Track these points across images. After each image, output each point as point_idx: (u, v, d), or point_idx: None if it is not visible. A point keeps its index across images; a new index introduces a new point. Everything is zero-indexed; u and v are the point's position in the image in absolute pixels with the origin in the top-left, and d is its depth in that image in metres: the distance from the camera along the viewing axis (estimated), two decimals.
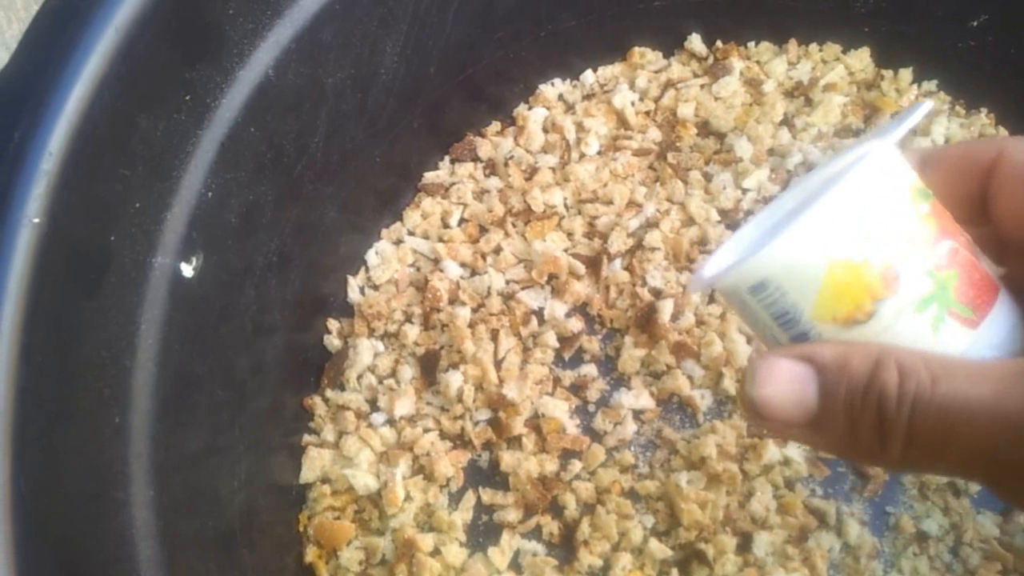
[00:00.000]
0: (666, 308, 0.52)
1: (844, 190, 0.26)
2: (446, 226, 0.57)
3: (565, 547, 0.49)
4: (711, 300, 0.54)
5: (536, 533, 0.49)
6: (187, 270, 0.40)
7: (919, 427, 0.25)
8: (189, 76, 0.39)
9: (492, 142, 0.60)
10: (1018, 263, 0.31)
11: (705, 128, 0.60)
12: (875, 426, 0.26)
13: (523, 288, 0.55)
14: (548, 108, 0.61)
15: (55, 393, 0.32)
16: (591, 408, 0.52)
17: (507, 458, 0.50)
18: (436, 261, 0.56)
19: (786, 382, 0.26)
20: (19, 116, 0.33)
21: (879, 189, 0.27)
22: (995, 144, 0.30)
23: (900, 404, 0.25)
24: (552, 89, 0.61)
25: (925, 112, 0.29)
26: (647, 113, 0.61)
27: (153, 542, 0.35)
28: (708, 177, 0.58)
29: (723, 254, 0.32)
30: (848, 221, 0.26)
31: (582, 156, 0.59)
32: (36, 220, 0.32)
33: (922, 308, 0.26)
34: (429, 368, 0.53)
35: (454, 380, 0.51)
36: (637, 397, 0.52)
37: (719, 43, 0.62)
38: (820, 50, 0.62)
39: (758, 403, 0.27)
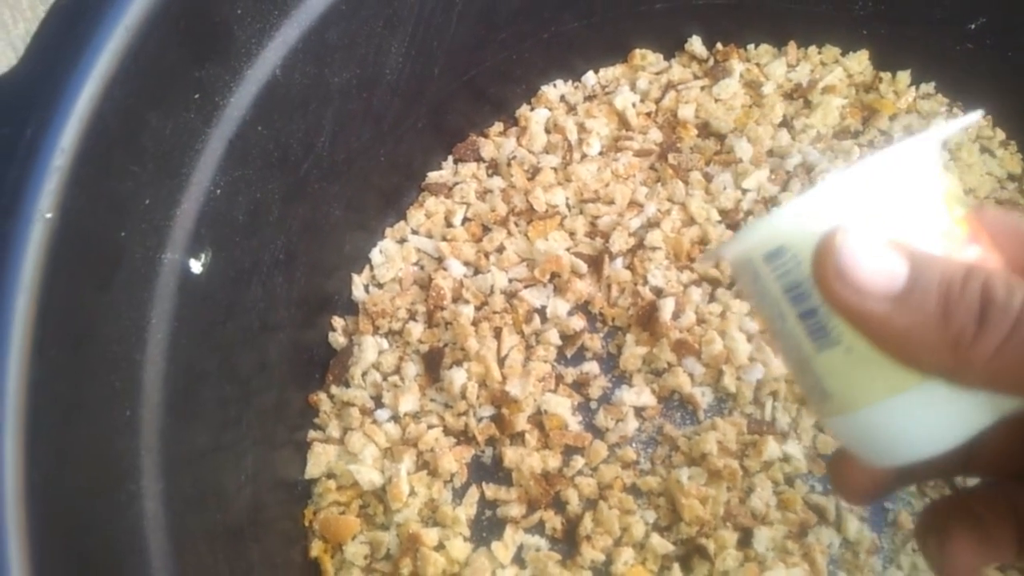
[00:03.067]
0: (667, 306, 0.53)
1: (880, 164, 0.25)
2: (450, 225, 0.58)
3: (568, 542, 0.50)
4: (712, 299, 0.55)
5: (539, 528, 0.50)
6: (196, 266, 0.40)
7: None
8: (198, 75, 0.40)
9: (495, 142, 0.60)
10: None
11: (705, 129, 0.60)
12: (974, 310, 0.23)
13: (526, 286, 0.55)
14: (550, 109, 0.61)
15: (68, 386, 0.32)
16: (593, 405, 0.53)
17: (510, 454, 0.51)
18: (440, 260, 0.57)
19: (871, 250, 0.24)
20: (31, 113, 0.33)
21: (916, 176, 0.26)
22: None
23: (1011, 294, 0.23)
24: (554, 90, 0.62)
25: (975, 120, 0.28)
26: (648, 114, 0.61)
27: (164, 534, 0.35)
28: (708, 177, 0.58)
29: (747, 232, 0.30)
30: (879, 196, 0.25)
31: (584, 156, 0.59)
32: (49, 215, 0.32)
33: None
34: (433, 365, 0.53)
35: (458, 377, 0.52)
36: (639, 394, 0.52)
37: (719, 45, 0.63)
38: (819, 53, 0.63)
39: (839, 266, 0.24)
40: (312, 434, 0.52)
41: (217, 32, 0.40)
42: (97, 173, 0.34)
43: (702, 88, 0.61)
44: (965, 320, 0.23)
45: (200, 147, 0.40)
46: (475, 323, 0.54)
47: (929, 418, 0.25)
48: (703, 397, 0.52)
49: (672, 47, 0.63)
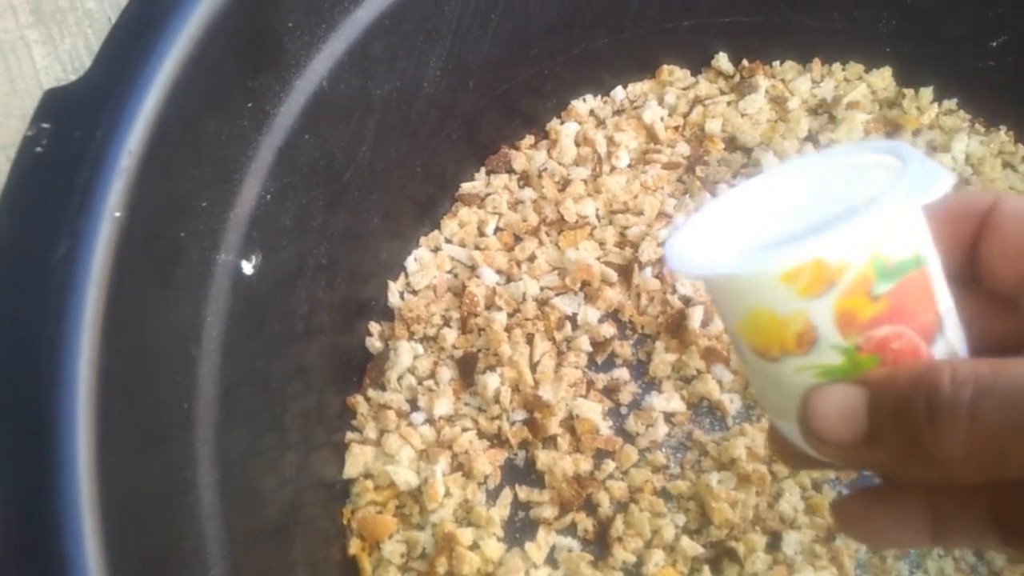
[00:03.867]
0: (696, 315, 0.54)
1: (798, 245, 0.25)
2: (482, 234, 0.59)
3: (599, 543, 0.51)
4: None
5: (571, 530, 0.51)
6: (247, 268, 0.42)
7: (984, 414, 0.23)
8: (252, 84, 0.41)
9: (526, 155, 0.62)
10: (1001, 319, 0.29)
11: (732, 143, 0.62)
12: (927, 422, 0.24)
13: (557, 294, 0.57)
14: (580, 123, 0.63)
15: (133, 376, 0.34)
16: (623, 410, 0.54)
17: (543, 457, 0.52)
18: (473, 268, 0.58)
19: (836, 403, 0.25)
20: (101, 117, 0.35)
21: (837, 256, 0.25)
22: (991, 195, 0.29)
23: (956, 390, 0.23)
24: (584, 104, 0.64)
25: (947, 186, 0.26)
26: (676, 128, 0.63)
27: (218, 522, 0.37)
28: None
29: (703, 230, 0.30)
30: (784, 275, 0.25)
31: (613, 169, 0.61)
32: (117, 214, 0.34)
33: (823, 377, 0.26)
34: (467, 370, 0.54)
35: (491, 382, 0.53)
36: (668, 400, 0.54)
37: (745, 62, 0.64)
38: (843, 69, 0.64)
39: (812, 425, 0.26)
40: (350, 435, 0.53)
41: (270, 44, 0.42)
42: (160, 175, 0.36)
43: (728, 103, 0.63)
44: (925, 437, 0.24)
45: (252, 153, 0.42)
46: (508, 329, 0.55)
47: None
48: (731, 403, 0.53)
49: (699, 63, 0.65)
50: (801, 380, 0.26)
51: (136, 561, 0.31)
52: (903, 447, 0.25)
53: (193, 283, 0.38)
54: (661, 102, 0.63)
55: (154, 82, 0.36)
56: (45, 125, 0.34)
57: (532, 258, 0.58)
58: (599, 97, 0.64)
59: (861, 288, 0.25)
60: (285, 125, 0.44)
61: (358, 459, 0.52)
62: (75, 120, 0.35)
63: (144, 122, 0.35)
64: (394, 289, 0.57)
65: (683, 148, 0.62)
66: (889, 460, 0.25)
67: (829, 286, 0.25)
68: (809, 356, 0.26)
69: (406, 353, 0.55)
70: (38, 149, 0.34)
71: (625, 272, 0.57)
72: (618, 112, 0.64)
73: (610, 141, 0.62)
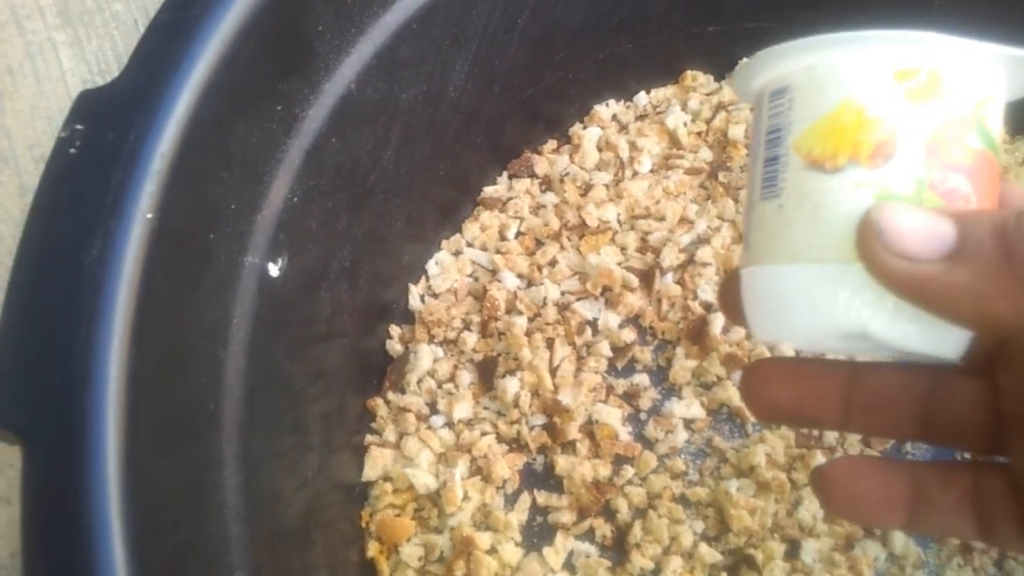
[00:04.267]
0: (717, 321, 0.54)
1: (924, 45, 0.23)
2: (503, 239, 0.60)
3: (617, 549, 0.51)
4: None
5: (589, 535, 0.51)
6: (273, 270, 0.42)
7: None
8: (281, 87, 0.42)
9: (548, 159, 0.62)
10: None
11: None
12: None
13: (578, 299, 0.57)
14: (603, 128, 0.63)
15: (162, 377, 0.34)
16: (643, 416, 0.54)
17: (561, 462, 0.52)
18: (494, 272, 0.58)
19: (921, 217, 0.23)
20: (134, 119, 0.35)
21: (955, 78, 0.23)
22: None
23: None
24: (607, 109, 0.64)
25: None
26: (699, 134, 0.63)
27: (242, 523, 0.37)
28: None
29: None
30: (898, 72, 0.23)
31: (635, 174, 0.61)
32: (149, 216, 0.34)
33: (882, 199, 0.24)
34: (487, 374, 0.55)
35: (511, 386, 0.53)
36: (688, 407, 0.54)
37: None
38: None
39: (889, 238, 0.23)
40: (369, 438, 0.54)
41: (300, 47, 0.42)
42: (192, 177, 0.36)
43: (752, 109, 0.63)
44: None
45: (280, 156, 0.42)
46: (528, 334, 0.55)
47: (825, 298, 0.24)
48: None
49: (723, 69, 0.65)
50: (858, 198, 0.24)
51: (162, 560, 0.31)
52: (996, 270, 0.22)
53: (221, 285, 0.38)
54: (684, 108, 0.63)
55: (186, 85, 0.36)
56: (79, 127, 0.35)
57: (553, 263, 0.58)
58: (622, 102, 0.65)
59: (962, 125, 0.24)
60: (313, 128, 0.44)
61: (377, 462, 0.52)
62: (108, 122, 0.35)
63: (176, 124, 0.36)
64: (415, 292, 0.58)
65: (706, 154, 0.61)
66: (972, 282, 0.23)
67: (937, 102, 0.23)
68: (878, 172, 0.24)
69: (426, 356, 0.55)
70: (71, 151, 0.34)
71: (646, 277, 0.57)
72: (641, 117, 0.64)
73: (632, 146, 0.62)
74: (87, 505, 0.30)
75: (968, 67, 0.24)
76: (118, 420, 0.31)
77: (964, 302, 0.23)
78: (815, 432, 0.52)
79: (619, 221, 0.60)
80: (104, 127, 0.35)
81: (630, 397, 0.54)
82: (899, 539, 0.50)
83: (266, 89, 0.41)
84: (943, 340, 0.25)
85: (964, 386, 0.28)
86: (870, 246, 0.23)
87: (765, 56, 0.26)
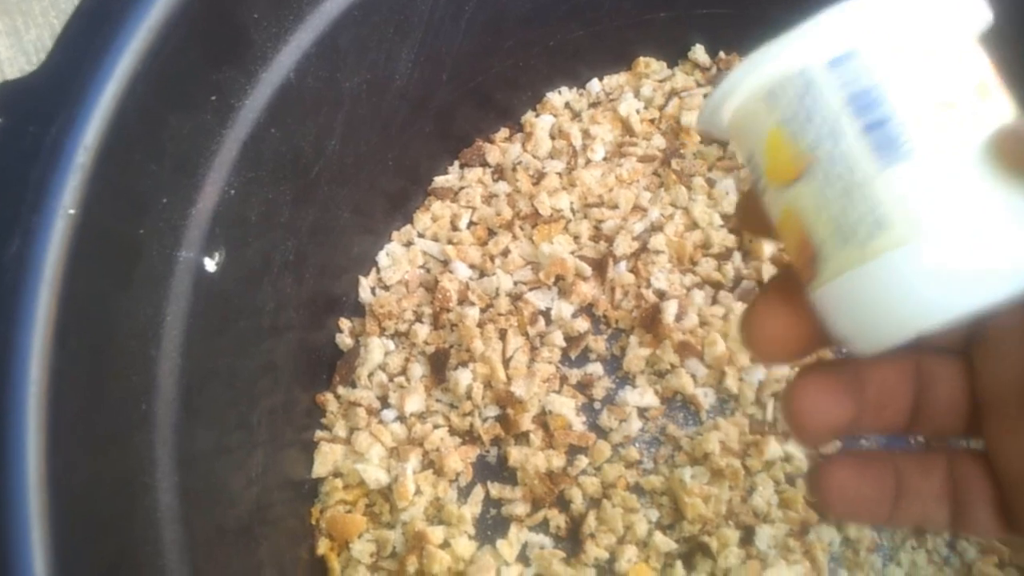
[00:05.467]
0: (670, 309, 0.54)
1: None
2: (455, 229, 0.59)
3: (572, 540, 0.50)
4: (714, 301, 0.55)
5: (543, 526, 0.51)
6: (210, 265, 0.41)
7: None
8: (215, 77, 0.41)
9: (500, 148, 0.61)
10: (1003, 430, 0.26)
11: (708, 136, 0.61)
12: None
13: (531, 289, 0.56)
14: (555, 115, 0.62)
15: (88, 377, 0.33)
16: (597, 406, 0.54)
17: (515, 453, 0.51)
18: (445, 263, 0.57)
19: None
20: (56, 111, 0.34)
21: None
22: None
23: None
24: (559, 97, 0.63)
25: None
26: (652, 121, 0.62)
27: (178, 526, 0.36)
28: (711, 183, 0.59)
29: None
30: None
31: (588, 162, 0.60)
32: (72, 211, 0.33)
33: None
34: (439, 366, 0.54)
35: (463, 378, 0.53)
36: (642, 395, 0.53)
37: (722, 54, 0.64)
38: None
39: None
40: (319, 434, 0.53)
41: (234, 35, 0.41)
42: (118, 171, 0.35)
43: (705, 95, 0.62)
44: None
45: (216, 148, 0.41)
46: (480, 325, 0.55)
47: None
48: (706, 398, 0.53)
49: (675, 55, 0.64)
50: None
51: (88, 568, 0.30)
52: None
53: (153, 281, 0.37)
54: (637, 95, 0.63)
55: (112, 75, 0.35)
56: None
57: (506, 252, 0.57)
58: (575, 90, 0.64)
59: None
60: (250, 119, 0.43)
61: (327, 458, 0.51)
62: (29, 114, 0.34)
63: (101, 116, 0.35)
64: (365, 285, 0.57)
65: (659, 141, 0.61)
66: None
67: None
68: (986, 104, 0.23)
69: (377, 349, 0.54)
70: None
71: (599, 266, 0.56)
72: (594, 105, 0.63)
73: (585, 134, 0.61)
74: (5, 513, 0.29)
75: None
76: (39, 423, 0.30)
77: None
78: (769, 418, 0.52)
79: (572, 210, 0.59)
80: (24, 120, 0.34)
81: (584, 387, 0.54)
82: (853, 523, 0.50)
83: (199, 79, 0.40)
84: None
85: (945, 370, 0.27)
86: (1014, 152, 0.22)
87: (795, 40, 0.23)
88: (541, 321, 0.55)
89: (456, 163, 0.61)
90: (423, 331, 0.55)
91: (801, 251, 0.24)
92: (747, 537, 0.49)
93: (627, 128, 0.62)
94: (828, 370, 0.26)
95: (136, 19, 0.36)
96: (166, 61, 0.37)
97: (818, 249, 0.23)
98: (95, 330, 0.34)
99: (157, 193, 0.38)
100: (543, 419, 0.53)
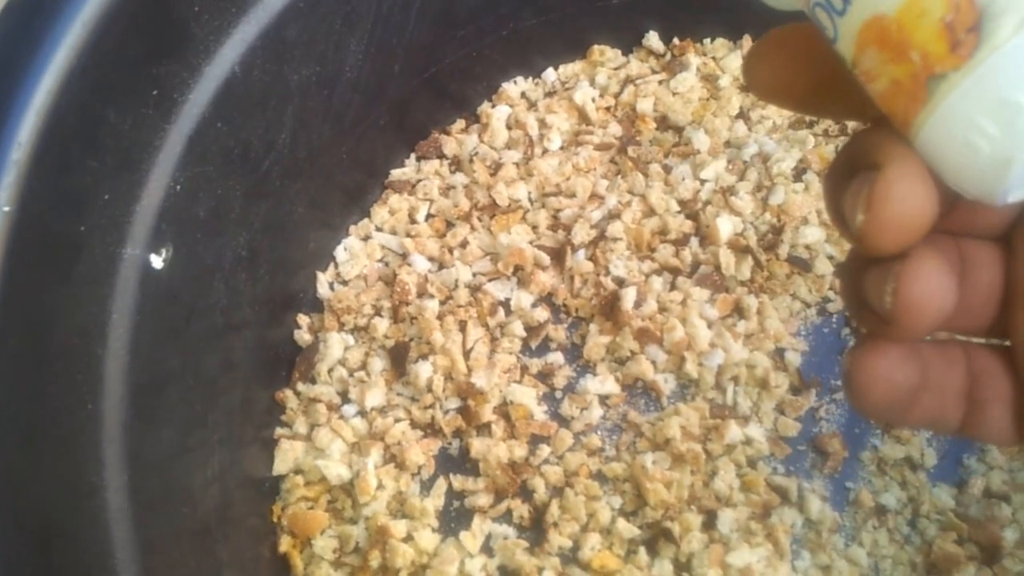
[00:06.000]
0: (629, 296, 0.54)
1: None
2: (413, 222, 0.58)
3: (535, 530, 0.50)
4: (672, 287, 0.55)
5: (507, 517, 0.50)
6: (157, 262, 0.40)
7: None
8: (156, 71, 0.40)
9: (457, 139, 0.61)
10: None
11: (664, 122, 0.61)
12: None
13: (490, 280, 0.56)
14: (511, 105, 0.62)
15: (29, 377, 0.32)
16: (558, 394, 0.54)
17: (477, 445, 0.51)
18: (404, 256, 0.57)
19: None
20: None
21: None
22: None
23: None
24: (515, 87, 0.63)
25: None
26: (607, 109, 0.62)
27: (128, 526, 0.36)
28: (667, 169, 0.59)
29: None
30: None
31: (545, 151, 0.60)
32: (7, 208, 0.32)
33: None
34: (399, 360, 0.54)
35: (424, 371, 0.52)
36: (603, 383, 0.53)
37: (676, 40, 0.64)
38: None
39: None
40: (279, 431, 0.52)
41: (174, 29, 0.41)
42: (55, 168, 0.34)
43: (660, 82, 0.62)
44: None
45: (159, 143, 0.41)
46: (440, 317, 0.54)
47: None
48: (666, 384, 0.53)
49: (630, 43, 0.64)
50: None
51: (33, 569, 0.30)
52: None
53: (96, 279, 0.37)
54: (592, 83, 0.63)
55: (46, 70, 0.35)
56: None
57: (464, 244, 0.57)
58: (530, 79, 0.64)
59: None
60: (195, 113, 0.42)
61: (288, 455, 0.51)
62: None
63: (35, 112, 0.34)
64: (323, 280, 0.56)
65: (615, 129, 0.61)
66: None
67: None
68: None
69: (336, 345, 0.54)
70: None
71: (558, 255, 0.56)
72: (549, 94, 0.63)
73: (542, 124, 0.61)
74: None
75: None
76: None
77: None
78: (729, 402, 0.52)
79: (530, 199, 0.59)
80: None
81: (545, 376, 0.54)
82: (815, 504, 0.50)
83: (138, 73, 0.39)
84: None
85: (985, 255, 0.25)
86: None
87: None
88: (501, 312, 0.55)
89: (413, 155, 0.61)
90: (382, 325, 0.55)
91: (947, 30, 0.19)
92: (710, 521, 0.49)
93: (583, 116, 0.62)
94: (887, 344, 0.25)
95: (70, 12, 0.36)
96: (103, 56, 0.36)
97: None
98: (35, 329, 0.33)
99: (98, 189, 0.37)
100: (504, 410, 0.52)
